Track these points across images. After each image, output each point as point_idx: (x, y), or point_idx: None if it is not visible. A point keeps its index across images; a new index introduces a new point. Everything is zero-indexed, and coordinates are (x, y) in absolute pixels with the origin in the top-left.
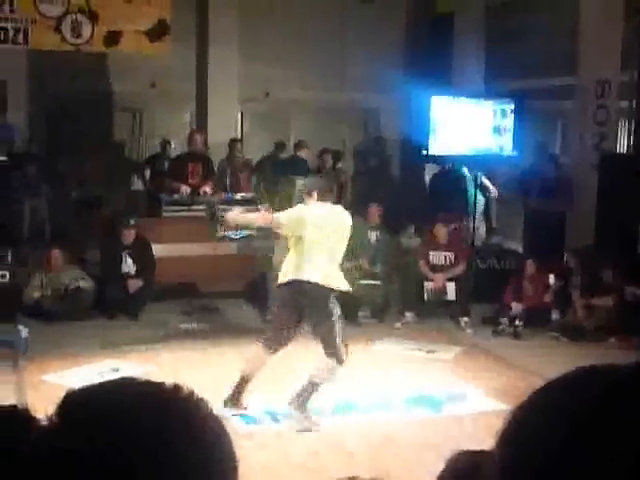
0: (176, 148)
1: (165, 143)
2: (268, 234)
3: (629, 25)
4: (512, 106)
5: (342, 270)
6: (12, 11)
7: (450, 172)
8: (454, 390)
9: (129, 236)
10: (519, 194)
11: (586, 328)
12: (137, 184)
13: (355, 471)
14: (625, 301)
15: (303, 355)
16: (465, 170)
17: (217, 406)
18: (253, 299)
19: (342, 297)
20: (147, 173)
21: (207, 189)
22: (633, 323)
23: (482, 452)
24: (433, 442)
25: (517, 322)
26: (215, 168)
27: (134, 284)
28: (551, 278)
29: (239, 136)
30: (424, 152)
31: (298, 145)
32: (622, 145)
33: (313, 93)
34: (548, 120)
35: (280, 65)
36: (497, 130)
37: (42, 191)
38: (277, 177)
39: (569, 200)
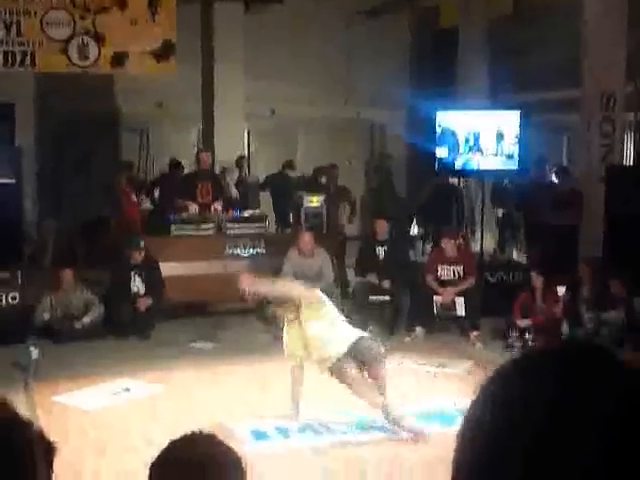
0: (184, 167)
1: (175, 163)
2: (278, 251)
3: (633, 37)
4: (517, 119)
5: (351, 286)
6: (19, 34)
7: (446, 184)
8: (465, 404)
9: (138, 256)
10: (527, 207)
11: (596, 341)
12: (145, 203)
13: None
14: (635, 313)
15: (313, 372)
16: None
17: (229, 423)
18: (263, 316)
19: (351, 312)
20: (156, 192)
21: (217, 207)
22: None
23: None
24: (445, 457)
25: (527, 336)
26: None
27: (143, 303)
28: (561, 290)
29: (246, 154)
30: (431, 166)
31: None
32: (628, 157)
33: (319, 109)
34: (554, 133)
35: (286, 82)
36: (502, 144)
37: (50, 212)
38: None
39: (579, 212)
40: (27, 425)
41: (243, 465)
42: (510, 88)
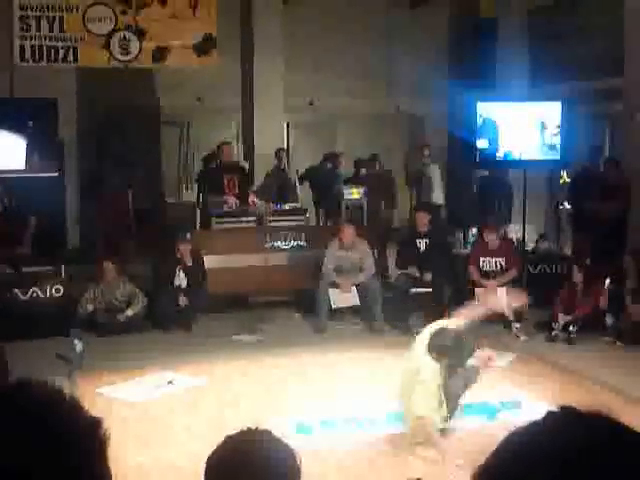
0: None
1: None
2: (319, 244)
3: None
4: (559, 110)
5: (392, 279)
6: (62, 30)
7: (496, 177)
8: (509, 397)
9: (185, 250)
10: (576, 197)
11: None
12: (186, 196)
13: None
14: None
15: (355, 365)
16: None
17: (268, 416)
18: (305, 308)
19: (393, 305)
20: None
21: (255, 199)
22: None
23: None
24: (489, 450)
25: (570, 328)
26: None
27: (186, 297)
28: (605, 282)
29: (285, 146)
30: (472, 158)
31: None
32: None
33: (358, 101)
34: (596, 123)
35: (325, 74)
36: (544, 134)
37: (93, 206)
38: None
39: (625, 203)
40: (97, 423)
41: (298, 461)
42: (551, 78)
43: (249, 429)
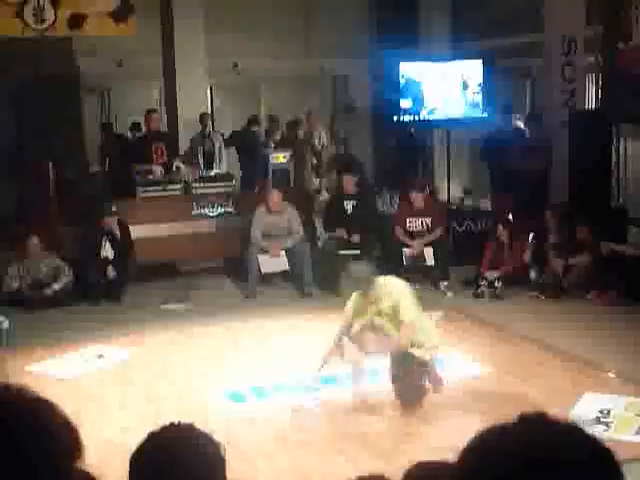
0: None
1: (135, 126)
2: (246, 209)
3: None
4: (480, 66)
5: (320, 243)
6: None
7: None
8: (437, 355)
9: (111, 222)
10: (495, 155)
11: (564, 286)
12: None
13: (342, 442)
14: (601, 257)
15: (286, 330)
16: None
17: (204, 386)
18: (234, 275)
19: (323, 268)
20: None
21: (180, 165)
22: (609, 278)
23: (439, 463)
24: (418, 408)
25: (496, 284)
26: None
27: (112, 271)
28: (530, 237)
29: (209, 110)
30: (394, 117)
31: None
32: (590, 101)
33: (281, 62)
34: (517, 79)
35: (247, 36)
36: (467, 92)
37: (13, 177)
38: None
39: (547, 159)
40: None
41: (222, 452)
42: (472, 34)
43: (172, 424)
